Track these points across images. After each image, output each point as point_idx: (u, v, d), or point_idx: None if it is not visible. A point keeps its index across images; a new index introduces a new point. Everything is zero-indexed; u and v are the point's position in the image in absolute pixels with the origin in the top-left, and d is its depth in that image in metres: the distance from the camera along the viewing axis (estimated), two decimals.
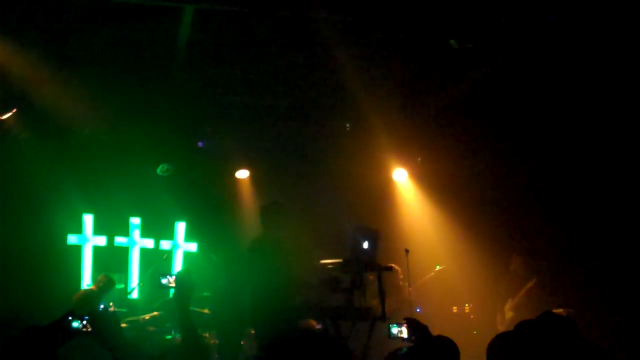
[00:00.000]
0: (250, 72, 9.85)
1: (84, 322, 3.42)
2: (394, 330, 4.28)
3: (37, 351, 3.18)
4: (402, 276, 10.38)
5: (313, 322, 8.62)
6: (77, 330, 3.41)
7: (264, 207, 8.17)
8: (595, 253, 10.11)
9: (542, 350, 2.29)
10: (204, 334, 9.51)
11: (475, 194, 11.55)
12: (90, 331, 3.43)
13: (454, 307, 11.07)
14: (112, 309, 9.72)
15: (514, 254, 10.19)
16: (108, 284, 10.27)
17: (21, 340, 3.21)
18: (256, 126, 11.46)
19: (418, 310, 10.17)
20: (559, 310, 8.44)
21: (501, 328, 9.93)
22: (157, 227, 12.13)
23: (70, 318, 3.42)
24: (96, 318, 3.44)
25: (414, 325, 4.18)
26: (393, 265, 10.03)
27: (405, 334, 4.25)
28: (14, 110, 9.95)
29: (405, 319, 4.29)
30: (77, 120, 10.09)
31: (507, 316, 9.92)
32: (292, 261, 7.72)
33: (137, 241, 11.95)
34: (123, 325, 9.22)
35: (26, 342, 3.21)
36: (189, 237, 12.34)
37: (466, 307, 10.92)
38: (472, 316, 10.82)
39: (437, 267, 11.01)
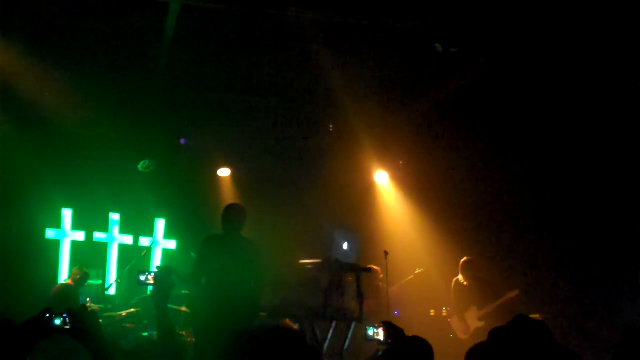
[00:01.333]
0: (234, 70, 9.84)
1: (63, 319, 3.40)
2: (371, 332, 4.29)
3: (14, 347, 3.15)
4: (381, 277, 10.40)
5: (290, 322, 8.62)
6: (56, 327, 3.39)
7: (226, 208, 8.06)
8: (575, 260, 10.18)
9: (518, 356, 2.31)
10: (181, 332, 9.49)
11: (456, 197, 11.59)
12: (68, 328, 3.41)
13: (432, 310, 11.09)
14: (88, 304, 9.67)
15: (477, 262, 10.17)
16: (84, 277, 10.25)
17: None
18: (239, 125, 11.44)
19: (396, 312, 10.19)
20: (535, 316, 8.47)
21: (464, 336, 9.91)
22: (137, 224, 12.10)
23: (48, 315, 3.39)
24: (75, 315, 3.42)
25: (390, 328, 4.20)
26: (372, 266, 10.06)
27: (381, 337, 4.26)
28: None
29: (382, 322, 4.31)
30: (59, 114, 10.01)
31: (474, 325, 9.84)
32: (248, 261, 7.60)
33: (116, 237, 11.91)
34: (99, 321, 9.18)
35: (2, 338, 3.18)
36: (168, 234, 12.31)
37: (443, 311, 10.93)
38: (449, 319, 10.84)
39: (417, 270, 11.03)
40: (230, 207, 7.97)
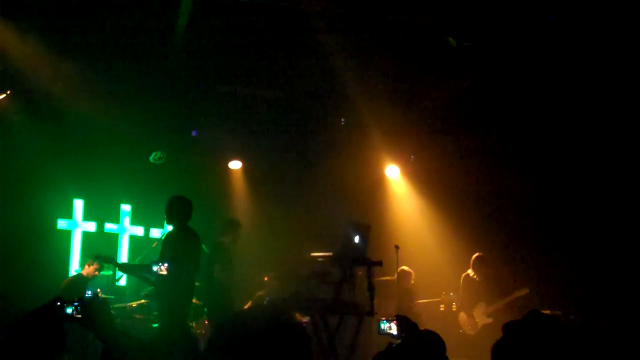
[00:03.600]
0: (247, 63, 9.83)
1: (74, 307, 3.39)
2: (383, 326, 4.28)
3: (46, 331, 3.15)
4: (413, 281, 10.40)
5: (300, 316, 8.63)
6: (67, 316, 3.37)
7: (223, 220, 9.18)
8: (587, 256, 10.13)
9: (538, 349, 2.31)
10: (191, 324, 9.50)
11: (467, 192, 11.57)
12: (79, 317, 3.40)
13: (442, 306, 11.08)
14: (99, 295, 9.71)
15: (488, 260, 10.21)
16: (99, 269, 10.29)
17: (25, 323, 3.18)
18: (251, 118, 11.45)
19: None
20: (545, 312, 8.44)
21: (471, 332, 9.92)
22: (148, 215, 12.11)
23: (59, 304, 3.38)
24: (86, 304, 3.41)
25: (404, 323, 4.19)
26: (406, 268, 10.07)
27: (394, 331, 4.25)
28: (9, 92, 9.89)
29: (395, 315, 4.30)
30: (72, 105, 10.04)
31: (482, 321, 9.84)
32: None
33: (127, 228, 11.95)
34: (111, 311, 9.21)
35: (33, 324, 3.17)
36: None
37: (453, 306, 10.92)
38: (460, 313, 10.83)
39: (446, 294, 11.02)
40: (170, 200, 8.27)
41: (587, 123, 9.40)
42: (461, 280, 10.23)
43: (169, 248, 7.88)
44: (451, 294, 10.83)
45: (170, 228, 8.24)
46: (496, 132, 10.69)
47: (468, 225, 11.15)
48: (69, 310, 3.38)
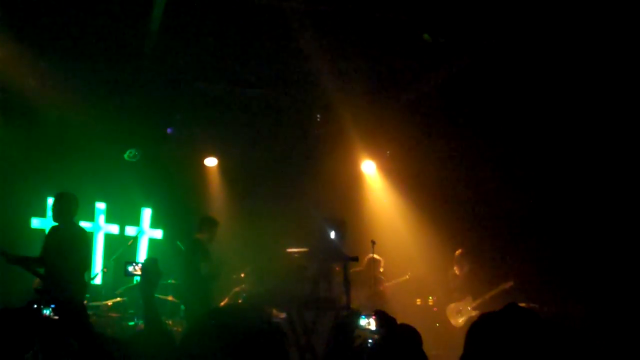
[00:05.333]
0: (221, 60, 9.80)
1: (51, 309, 3.37)
2: (363, 322, 4.29)
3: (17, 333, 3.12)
4: (382, 269, 10.49)
5: (277, 312, 8.63)
6: (44, 318, 3.35)
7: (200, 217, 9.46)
8: (563, 251, 10.22)
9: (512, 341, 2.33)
10: (167, 322, 9.48)
11: (443, 187, 11.63)
12: (57, 319, 3.38)
13: (418, 300, 11.16)
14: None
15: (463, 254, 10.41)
16: None
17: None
18: (226, 114, 11.41)
19: None
20: (522, 304, 8.53)
21: (458, 325, 10.08)
22: (123, 213, 12.05)
23: (36, 306, 3.36)
24: (63, 306, 3.39)
25: (383, 318, 4.20)
26: (375, 256, 10.16)
27: (373, 326, 4.27)
28: None
29: (374, 311, 4.31)
30: (44, 103, 9.94)
31: (469, 314, 10.04)
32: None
33: (102, 226, 11.86)
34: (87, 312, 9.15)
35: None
36: (154, 223, 12.28)
37: (429, 300, 11.01)
38: (435, 309, 10.91)
39: (407, 276, 11.11)
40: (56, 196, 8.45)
41: (564, 116, 9.47)
42: (448, 276, 10.49)
43: (53, 243, 8.09)
44: (409, 274, 11.02)
45: (56, 224, 8.37)
46: (472, 128, 10.73)
47: (444, 220, 11.21)
48: (47, 312, 3.36)
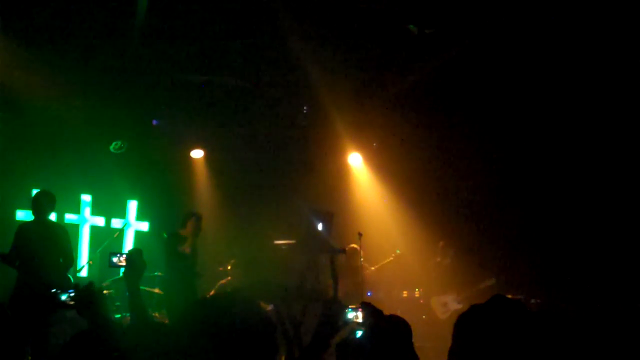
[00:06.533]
0: (208, 52, 9.75)
1: (69, 295, 3.42)
2: (350, 315, 4.28)
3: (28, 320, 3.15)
4: (362, 258, 10.50)
5: (263, 304, 8.62)
6: (61, 303, 3.40)
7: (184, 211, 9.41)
8: (547, 242, 10.28)
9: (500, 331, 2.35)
10: (154, 314, 9.46)
11: (430, 179, 11.66)
12: (73, 304, 3.42)
13: (404, 292, 11.18)
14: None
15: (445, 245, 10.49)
16: None
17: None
18: (212, 106, 11.37)
19: (369, 294, 10.26)
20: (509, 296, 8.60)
21: (442, 317, 10.15)
22: (109, 205, 12.00)
23: (55, 290, 3.40)
24: (82, 291, 3.43)
25: (369, 309, 4.20)
26: (354, 245, 10.16)
27: (361, 319, 4.26)
28: None
29: (361, 303, 4.31)
30: (29, 95, 9.86)
31: (454, 307, 10.10)
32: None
33: (87, 219, 11.80)
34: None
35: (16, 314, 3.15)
36: (140, 216, 12.24)
37: (416, 292, 11.04)
38: (421, 301, 10.95)
39: (397, 251, 11.12)
40: (37, 194, 8.60)
41: (550, 107, 9.50)
42: (432, 268, 10.49)
43: (24, 239, 8.20)
44: (398, 251, 11.07)
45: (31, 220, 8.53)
46: (458, 120, 10.76)
47: (430, 211, 11.25)
48: (64, 298, 3.40)
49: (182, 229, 9.75)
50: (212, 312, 2.23)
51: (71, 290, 3.45)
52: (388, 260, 11.09)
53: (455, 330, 2.49)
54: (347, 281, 9.77)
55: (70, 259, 8.46)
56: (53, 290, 3.41)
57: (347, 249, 10.21)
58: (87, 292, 3.44)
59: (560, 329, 2.41)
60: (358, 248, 10.35)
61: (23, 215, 11.26)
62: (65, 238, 8.42)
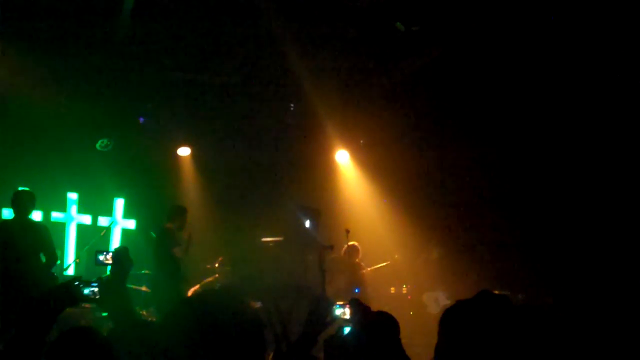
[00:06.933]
0: (195, 49, 9.73)
1: (93, 288, 3.39)
2: (338, 311, 4.30)
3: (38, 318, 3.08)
4: (360, 256, 10.54)
5: (252, 301, 8.62)
6: (85, 296, 3.38)
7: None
8: (532, 239, 10.32)
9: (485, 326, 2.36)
10: (141, 312, 9.43)
11: (416, 176, 11.68)
12: (97, 298, 3.40)
13: (392, 288, 11.21)
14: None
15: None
16: None
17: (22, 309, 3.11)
18: (199, 103, 11.34)
19: (357, 290, 10.28)
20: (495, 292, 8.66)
21: (434, 312, 10.19)
22: (95, 203, 11.95)
23: (78, 284, 3.37)
24: (104, 285, 3.41)
25: (357, 306, 4.21)
26: (355, 243, 10.21)
27: (348, 315, 4.28)
28: None
29: (349, 300, 4.32)
30: (15, 92, 9.80)
31: (444, 302, 10.16)
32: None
33: (74, 217, 11.76)
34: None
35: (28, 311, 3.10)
36: (127, 214, 12.19)
37: (403, 289, 11.07)
38: (409, 297, 10.98)
39: (395, 257, 11.14)
40: (17, 193, 8.61)
41: (537, 102, 9.52)
42: (423, 264, 10.56)
43: (4, 237, 8.18)
44: (395, 256, 11.07)
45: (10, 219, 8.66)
46: (445, 117, 10.78)
47: (417, 208, 11.27)
48: (87, 291, 3.37)
49: (168, 223, 9.77)
50: (200, 310, 2.23)
51: (94, 283, 3.42)
52: (385, 263, 11.11)
53: (441, 326, 2.51)
54: (343, 278, 9.81)
55: (53, 256, 8.43)
56: (76, 283, 3.38)
57: (345, 245, 10.22)
58: (111, 285, 3.42)
59: (545, 323, 2.43)
60: (358, 246, 10.41)
61: (8, 213, 11.20)
62: (46, 235, 8.41)
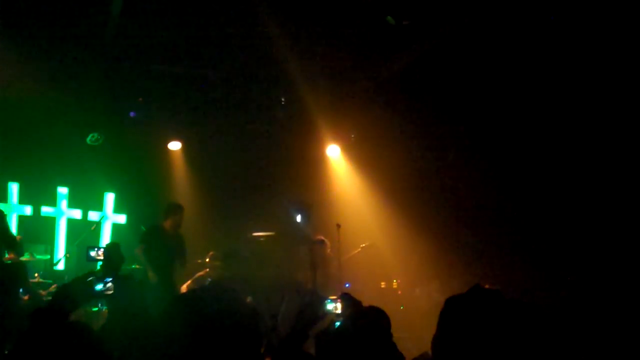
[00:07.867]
0: (185, 43, 9.70)
1: (107, 284, 3.38)
2: (330, 306, 4.31)
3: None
4: (329, 249, 10.50)
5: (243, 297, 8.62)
6: (97, 292, 3.36)
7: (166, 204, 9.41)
8: (525, 236, 10.34)
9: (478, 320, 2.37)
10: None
11: (407, 170, 11.68)
12: (112, 294, 3.38)
13: (382, 283, 11.21)
14: (37, 279, 9.54)
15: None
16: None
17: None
18: (189, 97, 11.31)
19: (347, 285, 10.28)
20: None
21: (427, 306, 10.21)
22: (86, 198, 11.93)
23: (91, 279, 3.35)
24: (120, 281, 3.39)
25: (349, 300, 4.23)
26: (320, 237, 10.17)
27: (339, 310, 4.29)
28: None
29: (340, 294, 4.34)
30: (5, 86, 9.76)
31: (436, 297, 10.19)
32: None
33: (64, 211, 11.73)
34: (47, 296, 9.09)
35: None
36: (118, 208, 12.17)
37: (394, 283, 11.07)
38: (399, 292, 10.98)
39: (362, 245, 11.10)
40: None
41: (528, 98, 9.54)
42: (416, 258, 10.58)
43: None
44: (362, 245, 11.05)
45: None
46: (436, 111, 10.79)
47: (408, 202, 11.28)
48: (99, 287, 3.36)
49: (164, 222, 9.72)
50: (195, 305, 2.23)
51: (108, 279, 3.40)
52: (356, 251, 11.06)
53: (441, 318, 2.52)
54: (319, 272, 9.80)
55: (9, 238, 8.20)
56: (89, 279, 3.36)
57: (315, 242, 10.19)
58: (125, 282, 3.40)
59: (538, 318, 2.44)
60: (324, 239, 10.36)
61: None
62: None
